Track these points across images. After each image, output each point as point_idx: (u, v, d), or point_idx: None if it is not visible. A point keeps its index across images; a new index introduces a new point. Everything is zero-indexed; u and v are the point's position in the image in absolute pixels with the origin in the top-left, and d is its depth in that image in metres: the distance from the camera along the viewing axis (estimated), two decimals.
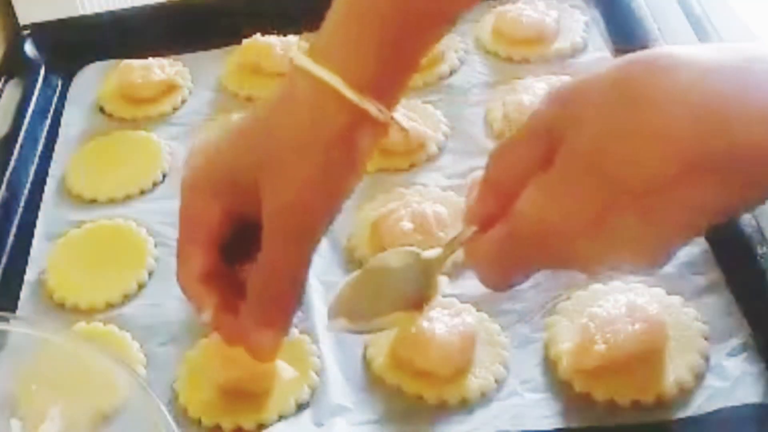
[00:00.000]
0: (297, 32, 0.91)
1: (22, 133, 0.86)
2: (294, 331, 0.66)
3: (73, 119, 0.90)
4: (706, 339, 0.62)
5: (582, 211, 0.46)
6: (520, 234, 0.48)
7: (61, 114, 0.91)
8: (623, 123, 0.44)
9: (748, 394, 0.58)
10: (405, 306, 0.55)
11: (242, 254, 0.58)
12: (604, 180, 0.45)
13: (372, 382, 0.63)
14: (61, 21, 0.99)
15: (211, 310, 0.58)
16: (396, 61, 0.55)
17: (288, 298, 0.57)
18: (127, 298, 0.72)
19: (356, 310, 0.56)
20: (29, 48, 0.96)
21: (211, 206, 0.57)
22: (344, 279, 0.58)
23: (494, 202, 0.50)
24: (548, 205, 0.47)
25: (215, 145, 0.58)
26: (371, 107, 0.54)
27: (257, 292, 0.57)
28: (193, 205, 0.59)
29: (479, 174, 0.51)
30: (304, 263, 0.56)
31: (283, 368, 0.63)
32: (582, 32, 0.88)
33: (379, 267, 0.56)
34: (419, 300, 0.55)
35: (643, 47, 0.81)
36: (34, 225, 0.79)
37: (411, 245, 0.69)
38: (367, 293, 0.56)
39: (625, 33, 0.86)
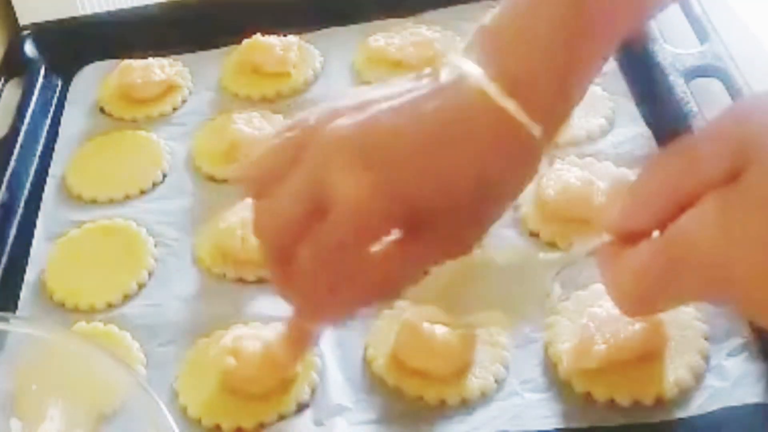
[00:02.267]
0: (297, 32, 0.91)
1: (22, 133, 0.86)
2: None
3: (73, 119, 0.90)
4: (706, 339, 0.62)
5: None
6: (686, 256, 0.41)
7: (61, 114, 0.91)
8: None
9: (748, 394, 0.58)
10: (507, 307, 0.50)
11: None
12: None
13: (372, 382, 0.63)
14: (61, 21, 0.99)
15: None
16: (564, 98, 0.51)
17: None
18: (127, 298, 0.72)
19: (450, 300, 0.52)
20: (29, 48, 0.96)
21: (383, 226, 0.51)
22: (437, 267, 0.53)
23: (647, 214, 0.43)
24: (728, 228, 0.40)
25: (388, 171, 0.50)
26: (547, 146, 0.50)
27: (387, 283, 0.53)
28: (365, 229, 0.51)
29: (626, 178, 0.46)
30: None
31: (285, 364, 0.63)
32: None
33: (488, 260, 0.51)
34: (525, 303, 0.50)
35: (643, 47, 0.82)
36: (34, 225, 0.79)
37: None
38: (467, 285, 0.51)
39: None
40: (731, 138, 0.41)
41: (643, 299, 0.44)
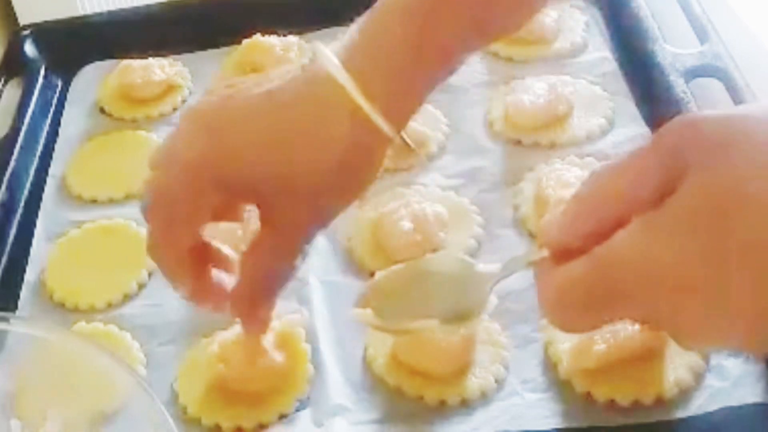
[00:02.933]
0: (297, 32, 0.91)
1: (22, 133, 0.86)
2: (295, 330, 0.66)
3: (73, 119, 0.90)
4: None
5: (698, 264, 0.40)
6: (611, 275, 0.42)
7: (61, 114, 0.91)
8: None
9: (748, 394, 0.58)
10: (443, 316, 0.51)
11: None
12: (743, 235, 0.39)
13: (372, 382, 0.63)
14: (61, 21, 0.99)
15: (190, 285, 0.58)
16: (404, 91, 0.53)
17: (278, 289, 0.58)
18: (127, 298, 0.72)
19: (388, 306, 0.53)
20: (29, 48, 0.96)
21: (211, 196, 0.55)
22: (383, 271, 0.55)
23: (585, 227, 0.43)
24: (655, 247, 0.41)
25: (221, 135, 0.55)
26: (381, 122, 0.52)
27: (251, 284, 0.57)
28: (193, 189, 0.55)
29: (568, 195, 0.46)
30: (301, 258, 0.57)
31: (279, 359, 0.63)
32: (582, 32, 0.88)
33: (426, 269, 0.53)
34: (460, 313, 0.50)
35: (643, 47, 0.82)
36: (34, 225, 0.79)
37: (411, 245, 0.69)
38: (405, 293, 0.53)
39: (625, 33, 0.86)
40: (664, 160, 0.42)
41: (570, 314, 0.44)
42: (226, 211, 0.58)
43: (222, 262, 0.60)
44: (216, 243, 0.60)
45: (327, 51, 0.53)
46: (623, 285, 0.42)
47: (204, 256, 0.59)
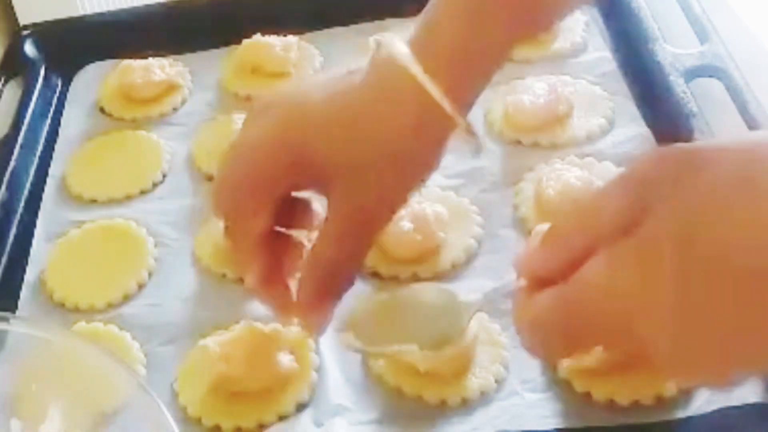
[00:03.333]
0: (297, 32, 0.91)
1: (22, 133, 0.86)
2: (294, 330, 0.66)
3: (73, 119, 0.90)
4: None
5: (664, 291, 0.40)
6: (579, 305, 0.43)
7: (61, 114, 0.91)
8: (743, 209, 0.39)
9: (748, 394, 0.58)
10: (423, 342, 0.53)
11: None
12: (708, 264, 0.40)
13: (372, 382, 0.63)
14: (61, 21, 0.99)
15: (258, 273, 0.58)
16: (465, 82, 0.55)
17: (345, 284, 0.58)
18: (127, 298, 0.72)
19: (370, 331, 0.55)
20: (29, 48, 0.96)
21: (284, 172, 0.56)
22: (364, 295, 0.58)
23: (557, 259, 0.45)
24: (620, 276, 0.42)
25: (296, 118, 0.56)
26: (449, 107, 0.53)
27: (314, 276, 0.57)
28: (267, 163, 0.56)
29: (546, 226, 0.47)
30: (366, 254, 0.58)
31: (285, 362, 0.63)
32: (582, 32, 0.88)
33: (408, 296, 0.55)
34: (440, 340, 0.53)
35: (643, 47, 0.82)
36: (34, 225, 0.79)
37: (411, 245, 0.69)
38: (388, 318, 0.55)
39: (625, 33, 0.86)
40: (631, 192, 0.43)
41: (544, 342, 0.46)
42: (295, 209, 0.59)
43: (296, 249, 0.60)
44: (289, 231, 0.60)
45: (395, 39, 0.54)
46: (592, 315, 0.43)
47: (277, 248, 0.59)
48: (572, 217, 0.46)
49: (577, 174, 0.72)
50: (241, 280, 0.71)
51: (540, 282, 0.45)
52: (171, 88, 0.90)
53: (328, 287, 0.58)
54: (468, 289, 0.66)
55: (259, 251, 0.58)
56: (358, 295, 0.60)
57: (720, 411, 0.58)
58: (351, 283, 0.58)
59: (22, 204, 0.82)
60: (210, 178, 0.81)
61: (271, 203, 0.57)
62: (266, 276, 0.58)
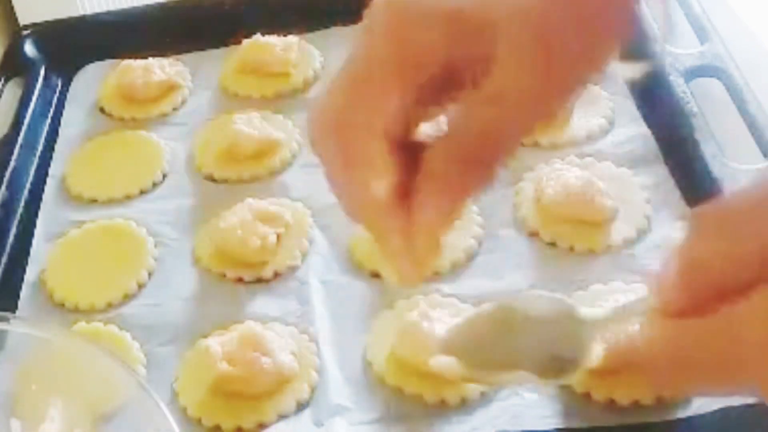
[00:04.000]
0: (297, 32, 0.91)
1: (22, 133, 0.86)
2: (294, 331, 0.66)
3: (73, 119, 0.90)
4: None
5: None
6: (725, 347, 0.37)
7: (61, 114, 0.91)
8: None
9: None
10: (542, 368, 0.44)
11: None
12: None
13: (372, 382, 0.63)
14: (61, 21, 0.99)
15: (389, 183, 0.45)
16: None
17: (491, 167, 0.45)
18: (127, 298, 0.72)
19: (472, 353, 0.46)
20: (29, 48, 0.96)
21: (433, 39, 0.43)
22: (467, 314, 0.48)
23: (700, 290, 0.38)
24: None
25: None
26: None
27: (464, 143, 0.46)
28: (410, 30, 0.43)
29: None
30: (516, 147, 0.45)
31: (285, 362, 0.63)
32: None
33: (516, 309, 0.45)
34: (562, 365, 0.44)
35: (643, 47, 0.82)
36: (34, 225, 0.79)
37: None
38: (493, 337, 0.46)
39: None
40: None
41: (685, 373, 0.39)
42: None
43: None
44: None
45: None
46: (744, 360, 0.37)
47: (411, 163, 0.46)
48: (725, 243, 0.38)
49: (577, 174, 0.72)
50: (240, 281, 0.71)
51: (674, 311, 0.39)
52: (171, 88, 0.90)
53: (478, 157, 0.46)
54: (470, 287, 0.67)
55: (394, 154, 0.45)
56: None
57: (720, 411, 0.58)
58: (493, 176, 0.46)
59: (22, 204, 0.82)
60: (210, 178, 0.81)
61: (417, 89, 0.45)
62: (397, 190, 0.46)
